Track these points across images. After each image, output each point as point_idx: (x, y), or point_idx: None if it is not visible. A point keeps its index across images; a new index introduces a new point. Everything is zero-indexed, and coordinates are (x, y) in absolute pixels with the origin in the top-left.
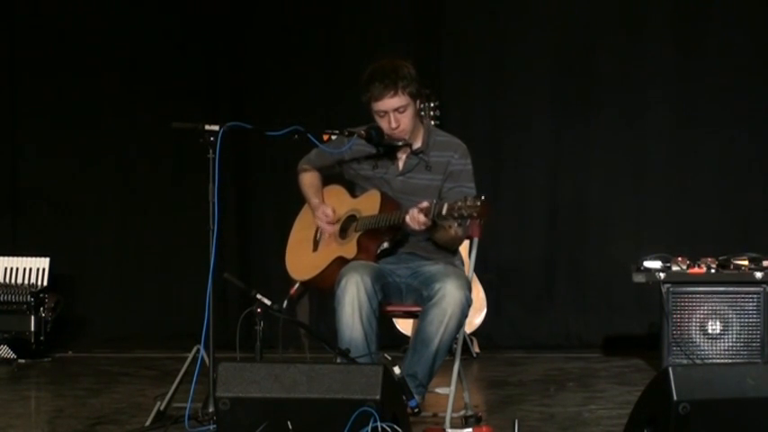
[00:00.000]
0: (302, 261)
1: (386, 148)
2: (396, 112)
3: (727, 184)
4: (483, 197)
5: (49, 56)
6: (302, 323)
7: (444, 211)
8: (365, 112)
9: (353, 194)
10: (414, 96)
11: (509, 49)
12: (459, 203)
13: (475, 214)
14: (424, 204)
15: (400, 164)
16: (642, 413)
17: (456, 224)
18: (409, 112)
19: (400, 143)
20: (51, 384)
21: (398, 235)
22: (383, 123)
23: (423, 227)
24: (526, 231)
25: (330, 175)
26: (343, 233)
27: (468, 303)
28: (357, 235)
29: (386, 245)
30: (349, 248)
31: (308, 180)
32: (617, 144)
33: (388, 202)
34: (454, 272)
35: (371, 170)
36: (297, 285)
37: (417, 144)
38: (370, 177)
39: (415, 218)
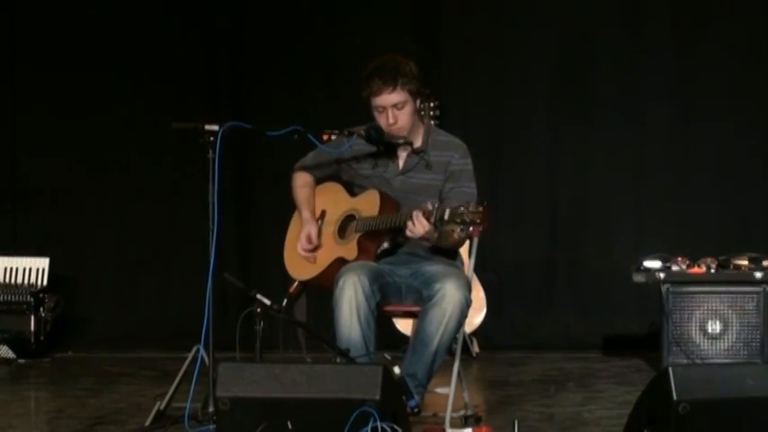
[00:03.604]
0: (302, 261)
1: (386, 146)
2: (394, 108)
3: (728, 183)
4: (485, 203)
5: (51, 54)
6: (302, 323)
7: (447, 216)
8: (365, 111)
9: (352, 193)
10: (413, 94)
11: (509, 49)
12: (462, 209)
13: (478, 220)
14: (427, 207)
15: (400, 163)
16: (642, 413)
17: (458, 229)
18: (407, 109)
19: (401, 141)
20: (51, 384)
21: (399, 235)
22: (381, 119)
23: (425, 232)
24: (526, 231)
25: (326, 177)
26: (342, 232)
27: (467, 303)
28: (357, 236)
29: (386, 245)
30: (349, 249)
31: (301, 184)
32: (617, 144)
33: (387, 202)
34: (454, 272)
35: (371, 169)
36: (296, 284)
37: (417, 143)
38: (369, 176)
39: (420, 223)
